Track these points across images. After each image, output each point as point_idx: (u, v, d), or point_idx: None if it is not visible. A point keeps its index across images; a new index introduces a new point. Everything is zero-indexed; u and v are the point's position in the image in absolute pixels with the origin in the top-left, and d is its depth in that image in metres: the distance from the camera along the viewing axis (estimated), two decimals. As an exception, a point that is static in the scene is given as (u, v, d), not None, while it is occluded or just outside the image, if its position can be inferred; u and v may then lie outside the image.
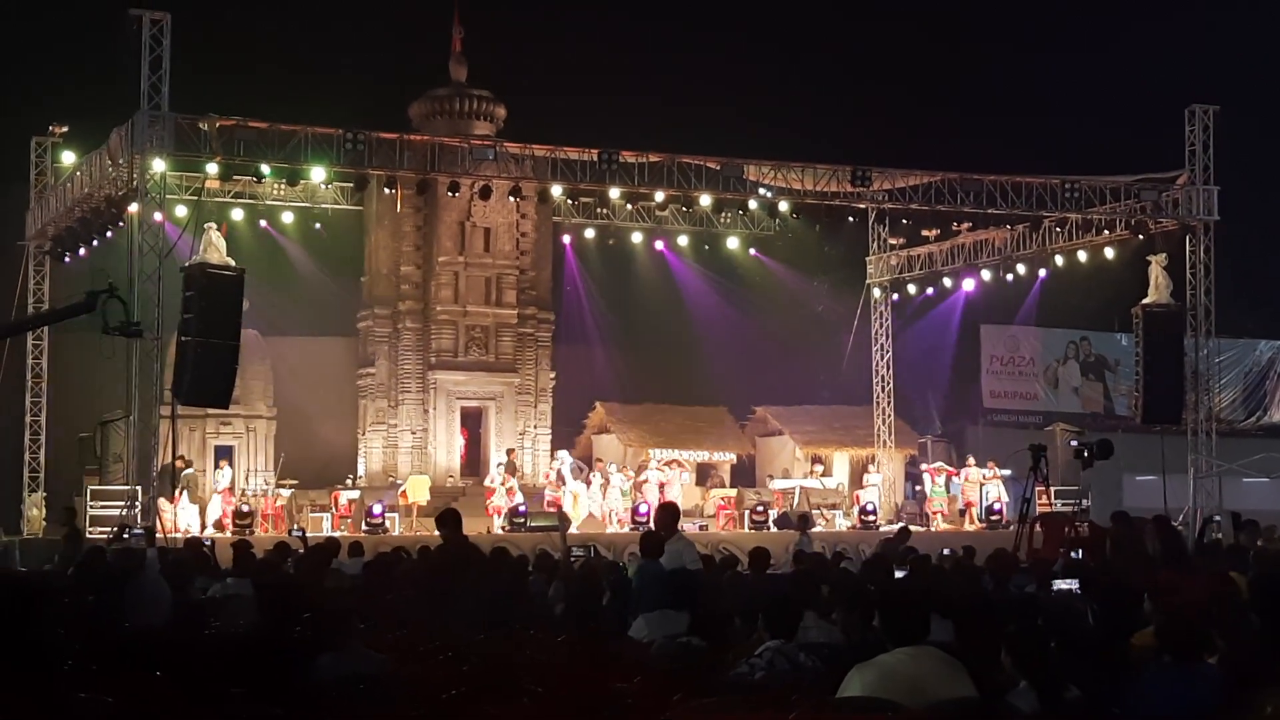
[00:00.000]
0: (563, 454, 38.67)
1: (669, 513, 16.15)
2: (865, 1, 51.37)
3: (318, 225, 39.20)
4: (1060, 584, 13.82)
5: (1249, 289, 41.43)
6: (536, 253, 41.41)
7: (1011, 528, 28.48)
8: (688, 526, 35.17)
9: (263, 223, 38.31)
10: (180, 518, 32.61)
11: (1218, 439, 37.61)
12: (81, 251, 35.07)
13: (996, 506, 37.86)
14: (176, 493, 32.80)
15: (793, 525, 35.99)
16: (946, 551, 23.82)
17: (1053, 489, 34.94)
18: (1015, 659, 8.68)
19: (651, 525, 19.22)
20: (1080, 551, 20.81)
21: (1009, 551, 19.29)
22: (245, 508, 33.81)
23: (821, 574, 14.63)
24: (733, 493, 39.01)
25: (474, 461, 40.68)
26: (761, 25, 51.52)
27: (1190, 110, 36.49)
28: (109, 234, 33.94)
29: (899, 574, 15.56)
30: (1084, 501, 37.02)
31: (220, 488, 35.23)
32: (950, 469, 39.98)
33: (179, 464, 33.16)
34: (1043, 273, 40.80)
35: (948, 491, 39.10)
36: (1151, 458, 36.67)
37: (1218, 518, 30.62)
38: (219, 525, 33.67)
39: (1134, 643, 10.48)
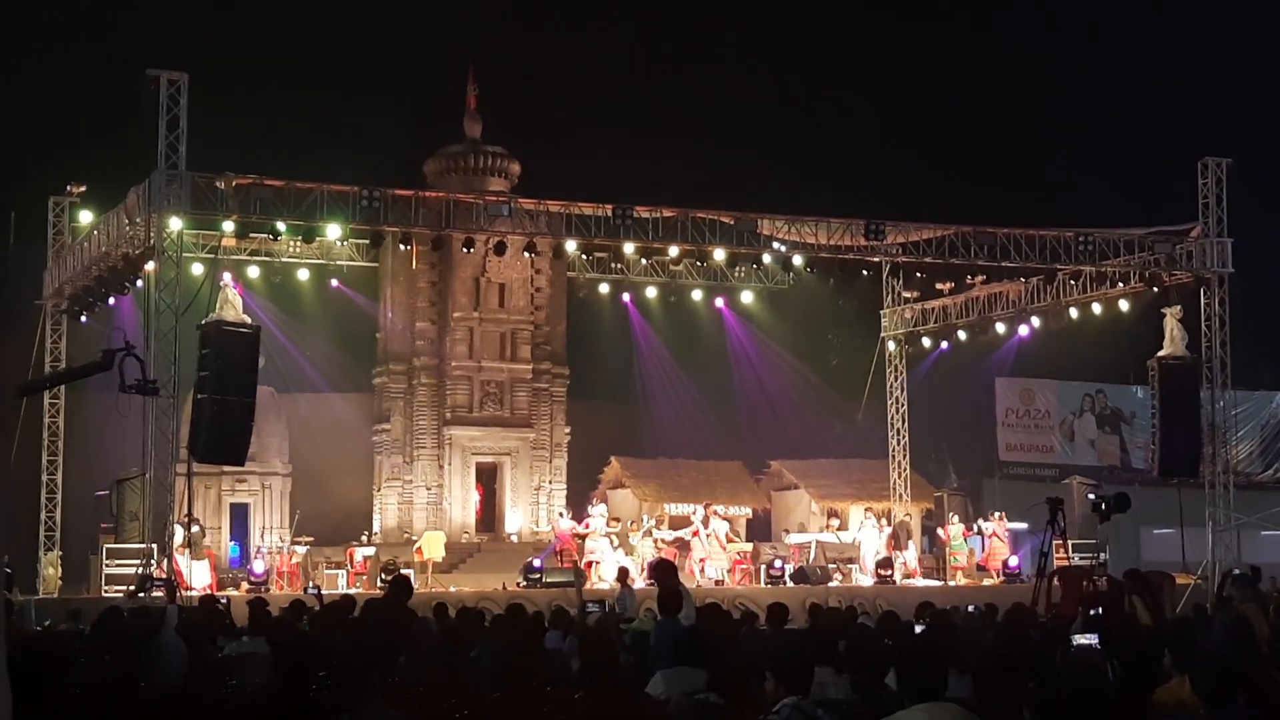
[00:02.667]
0: (600, 507, 38.57)
1: (666, 566, 16.32)
2: (877, 58, 51.57)
3: (333, 282, 39.28)
4: (1080, 639, 13.71)
5: (1265, 341, 41.36)
6: (551, 308, 41.48)
7: (1029, 582, 28.35)
8: (704, 583, 35.22)
9: (278, 280, 38.39)
10: (189, 576, 32.48)
11: (1235, 492, 37.43)
12: (98, 310, 35.18)
13: (1012, 562, 37.78)
14: (186, 550, 32.65)
15: (808, 579, 35.95)
16: (971, 609, 23.69)
17: (1070, 543, 34.77)
18: (1036, 715, 8.63)
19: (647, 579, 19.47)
20: (1099, 607, 20.68)
21: (1027, 606, 19.17)
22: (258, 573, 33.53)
23: (838, 630, 14.56)
24: (748, 547, 38.87)
25: (489, 517, 40.64)
26: (774, 81, 51.75)
27: (1203, 163, 36.52)
28: (126, 292, 34.06)
29: (917, 629, 15.48)
30: (1102, 555, 36.80)
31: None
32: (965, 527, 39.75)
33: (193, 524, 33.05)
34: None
35: (966, 545, 38.96)
36: (1169, 511, 36.52)
37: (1236, 571, 30.42)
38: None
39: (1155, 699, 10.42)
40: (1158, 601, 20.84)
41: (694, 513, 38.04)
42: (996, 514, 39.38)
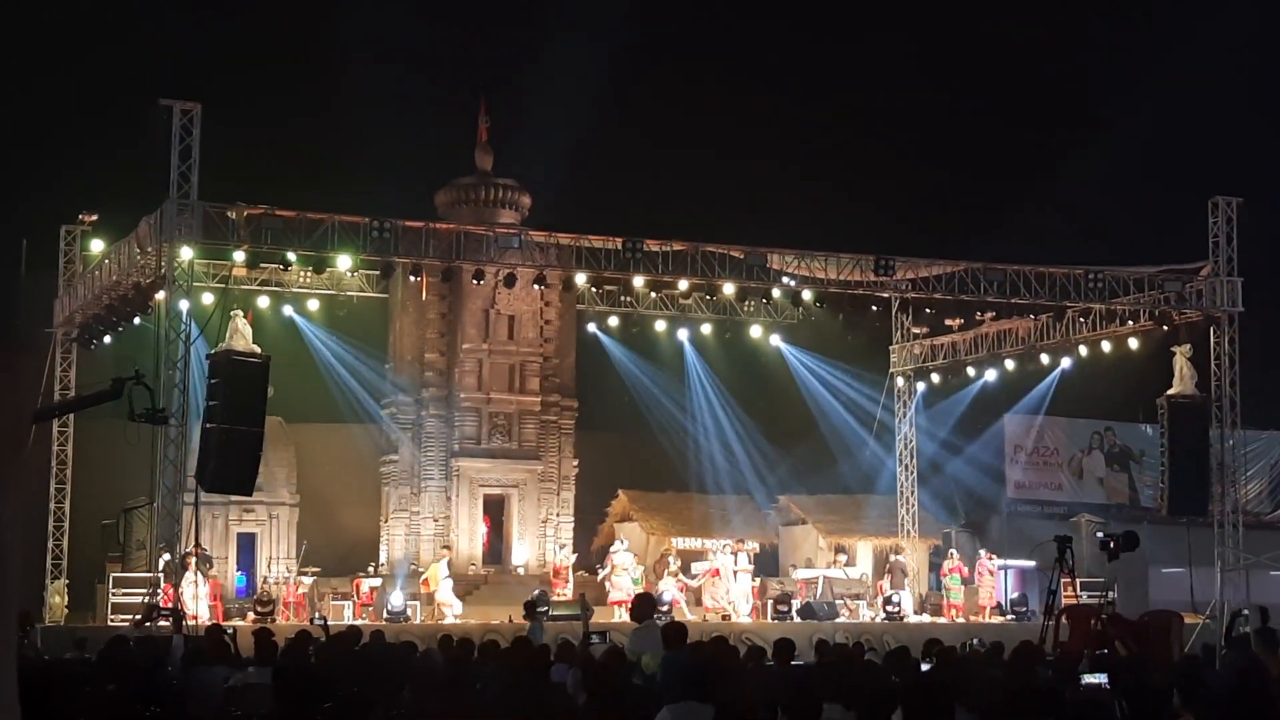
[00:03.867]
0: (624, 542, 38.57)
1: (645, 601, 17.04)
2: (886, 92, 51.66)
3: (342, 313, 39.31)
4: (1088, 679, 13.68)
5: (1274, 381, 41.28)
6: (560, 340, 41.52)
7: (1033, 620, 28.32)
8: (711, 617, 35.19)
9: (288, 310, 38.39)
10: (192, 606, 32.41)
11: (1244, 531, 37.34)
12: (108, 339, 35.26)
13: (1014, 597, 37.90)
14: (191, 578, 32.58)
15: (815, 615, 35.87)
16: (976, 642, 23.67)
17: (1078, 581, 34.68)
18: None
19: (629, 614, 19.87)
20: (1107, 647, 20.63)
21: (1035, 644, 19.12)
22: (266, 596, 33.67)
23: (845, 665, 14.52)
24: (756, 582, 38.81)
25: (496, 549, 40.61)
26: (784, 116, 51.85)
27: (1213, 202, 36.55)
28: (136, 321, 34.14)
29: (924, 666, 15.44)
30: (1110, 594, 36.65)
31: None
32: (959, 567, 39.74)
33: (197, 551, 33.01)
34: (1065, 362, 40.89)
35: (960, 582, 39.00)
36: (1178, 550, 36.42)
37: (1245, 611, 30.35)
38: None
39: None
40: (1163, 642, 20.81)
41: (721, 549, 38.19)
42: (984, 551, 39.56)
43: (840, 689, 11.93)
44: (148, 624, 27.12)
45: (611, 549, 37.97)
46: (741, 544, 38.19)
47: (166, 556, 31.52)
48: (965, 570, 39.23)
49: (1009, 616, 37.64)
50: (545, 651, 18.13)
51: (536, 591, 34.59)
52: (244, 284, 36.12)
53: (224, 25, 49.09)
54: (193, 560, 31.88)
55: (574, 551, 39.56)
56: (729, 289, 36.15)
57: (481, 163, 41.67)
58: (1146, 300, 37.19)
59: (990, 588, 38.93)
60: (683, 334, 42.44)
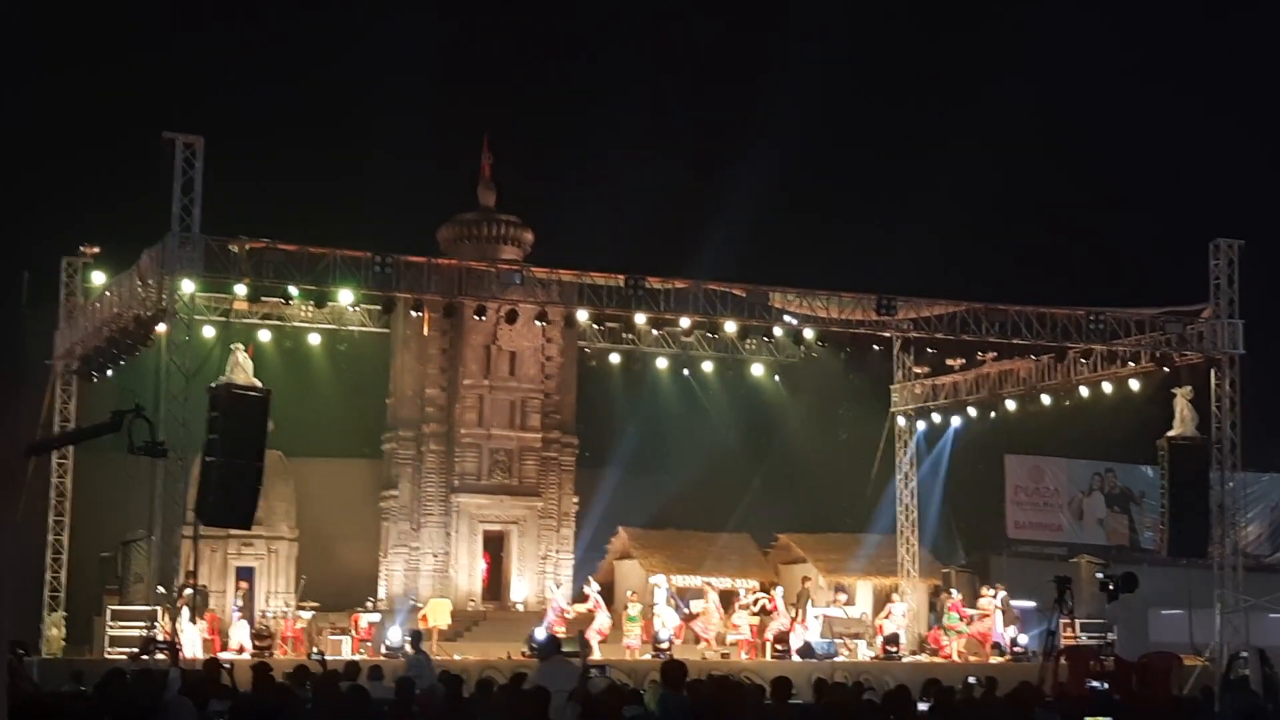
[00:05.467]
0: (659, 578, 38.57)
1: (551, 643, 18.03)
2: (889, 131, 51.81)
3: (343, 347, 39.29)
4: (1094, 720, 13.58)
5: (1275, 423, 41.26)
6: (561, 377, 41.52)
7: (1033, 661, 28.26)
8: (710, 655, 35.14)
9: (289, 344, 38.36)
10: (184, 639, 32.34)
11: (1244, 573, 37.28)
12: (109, 371, 35.23)
13: (1018, 639, 37.85)
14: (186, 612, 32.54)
15: (814, 654, 35.78)
16: (972, 680, 23.60)
17: (1078, 622, 34.64)
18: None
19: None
20: (1106, 684, 20.60)
21: (1034, 685, 19.09)
22: (265, 630, 33.63)
23: (844, 706, 14.48)
24: (755, 620, 38.73)
25: (495, 585, 40.54)
26: (786, 154, 51.98)
27: (1215, 244, 36.61)
28: (137, 354, 34.12)
29: (922, 707, 15.39)
30: (1109, 635, 36.67)
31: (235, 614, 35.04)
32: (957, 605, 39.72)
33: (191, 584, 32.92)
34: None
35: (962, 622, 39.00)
36: (1177, 592, 36.34)
37: (1244, 654, 30.28)
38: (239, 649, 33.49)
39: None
40: (1163, 684, 20.77)
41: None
42: (989, 590, 39.60)
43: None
44: (144, 657, 27.05)
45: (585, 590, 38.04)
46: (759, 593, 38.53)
47: (188, 592, 31.50)
48: (964, 610, 39.18)
49: (1006, 657, 37.53)
50: (545, 689, 18.07)
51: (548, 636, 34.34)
52: (245, 318, 36.14)
53: (228, 60, 49.30)
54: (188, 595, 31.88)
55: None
56: (730, 327, 36.16)
57: (484, 199, 41.74)
58: (1148, 342, 37.23)
59: (989, 626, 38.79)
60: (684, 372, 42.44)
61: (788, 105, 48.77)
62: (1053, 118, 54.03)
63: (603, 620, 36.34)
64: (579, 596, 38.43)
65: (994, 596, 39.40)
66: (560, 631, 35.41)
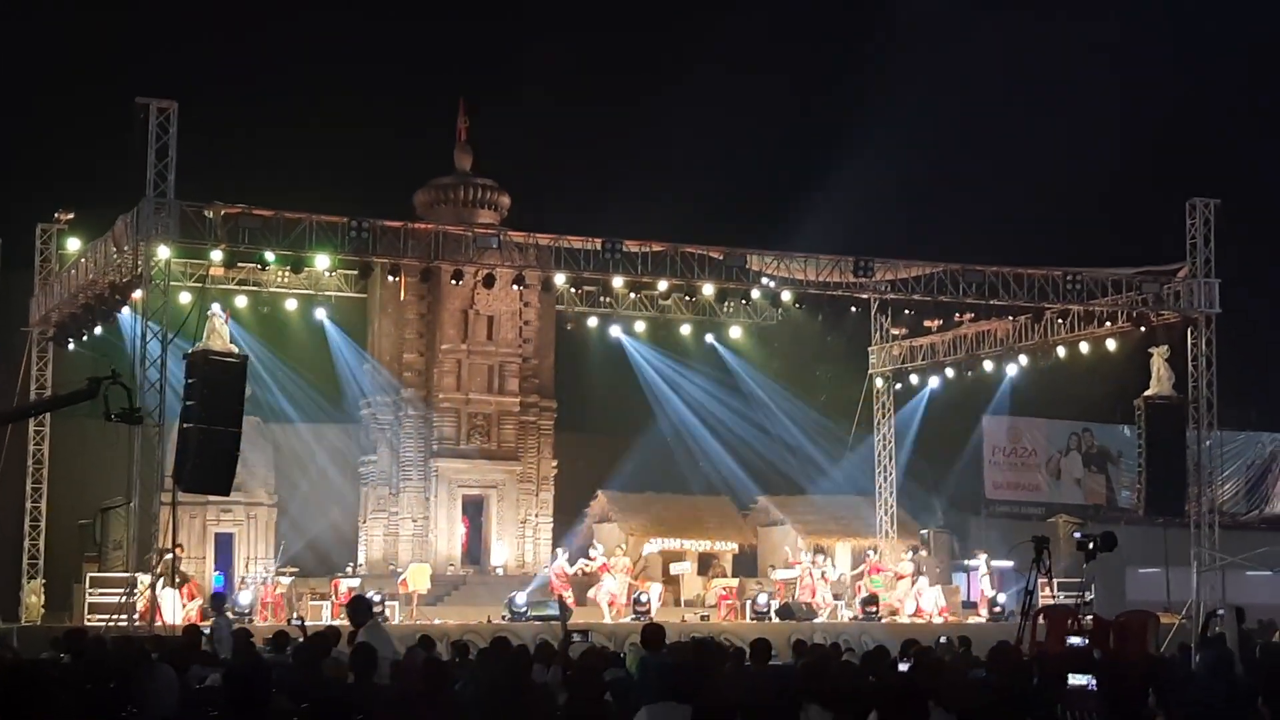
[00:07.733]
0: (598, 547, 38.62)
1: (361, 604, 17.86)
2: (864, 93, 51.67)
3: (320, 312, 39.19)
4: (1074, 679, 13.59)
5: (1251, 382, 41.44)
6: (539, 341, 41.48)
7: (1014, 620, 28.36)
8: (689, 616, 35.21)
9: (266, 309, 38.25)
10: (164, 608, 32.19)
11: (1220, 531, 37.45)
12: (85, 338, 35.10)
13: (999, 599, 38.06)
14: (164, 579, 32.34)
15: (793, 615, 35.90)
16: (943, 640, 23.72)
17: (1055, 581, 34.79)
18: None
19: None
20: (1084, 641, 20.69)
21: (1012, 644, 19.15)
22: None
23: (823, 666, 14.50)
24: (734, 583, 38.84)
25: (474, 550, 40.56)
26: (764, 116, 51.90)
27: (1191, 204, 36.65)
28: (113, 320, 34.00)
29: (902, 666, 15.43)
30: (1087, 594, 36.85)
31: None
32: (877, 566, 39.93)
33: (179, 551, 32.78)
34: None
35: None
36: (1154, 550, 36.48)
37: (1221, 611, 30.44)
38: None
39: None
40: (1140, 642, 20.85)
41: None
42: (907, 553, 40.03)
43: (818, 689, 11.94)
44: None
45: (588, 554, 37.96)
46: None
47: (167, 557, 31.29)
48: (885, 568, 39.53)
49: (985, 618, 37.72)
50: (525, 653, 18.09)
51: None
52: (221, 283, 36.06)
53: (202, 23, 48.99)
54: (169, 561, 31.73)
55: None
56: (708, 290, 36.17)
57: (461, 163, 41.61)
58: (1124, 302, 37.30)
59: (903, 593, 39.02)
60: (662, 334, 42.43)
61: (756, 74, 48.71)
62: (1028, 73, 53.93)
63: (610, 584, 36.22)
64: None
65: (909, 559, 39.65)
66: (568, 597, 35.31)
